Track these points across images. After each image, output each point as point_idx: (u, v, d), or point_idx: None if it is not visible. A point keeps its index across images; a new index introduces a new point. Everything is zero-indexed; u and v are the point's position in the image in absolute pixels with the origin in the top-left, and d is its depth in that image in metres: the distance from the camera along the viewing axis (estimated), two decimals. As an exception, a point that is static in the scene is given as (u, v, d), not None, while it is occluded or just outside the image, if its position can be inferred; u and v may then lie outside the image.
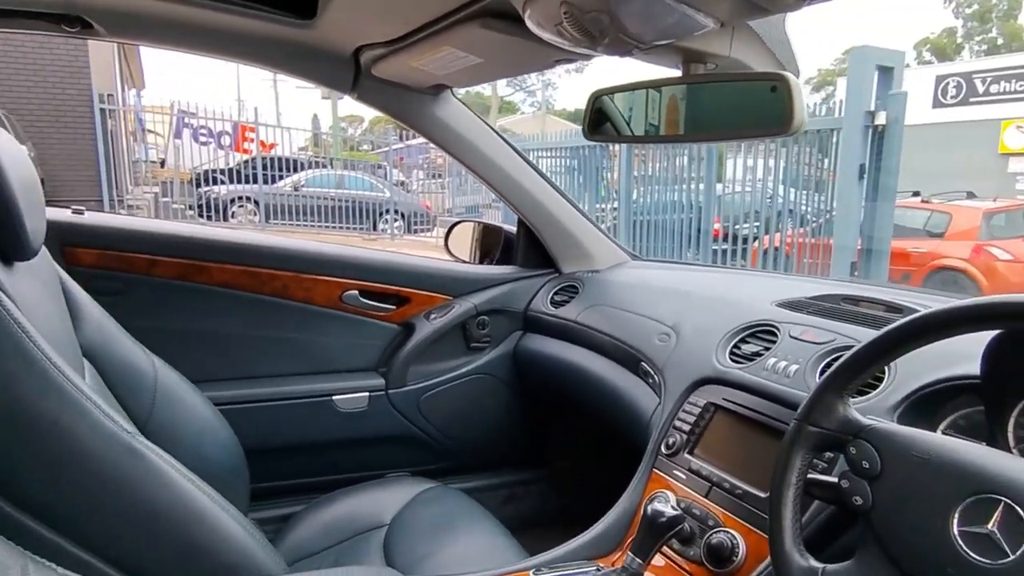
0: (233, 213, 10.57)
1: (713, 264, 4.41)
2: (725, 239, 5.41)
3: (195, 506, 0.74)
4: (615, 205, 6.47)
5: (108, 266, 1.21)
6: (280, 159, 10.86)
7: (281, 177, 10.82)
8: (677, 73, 0.82)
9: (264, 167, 10.53)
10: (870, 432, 0.65)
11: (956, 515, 0.56)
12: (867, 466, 0.64)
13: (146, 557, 0.69)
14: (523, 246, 1.61)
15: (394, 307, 1.50)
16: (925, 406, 0.76)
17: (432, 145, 1.81)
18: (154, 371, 1.04)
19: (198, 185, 10.66)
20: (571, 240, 1.57)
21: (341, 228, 10.60)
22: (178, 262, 1.26)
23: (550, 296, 1.54)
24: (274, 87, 26.98)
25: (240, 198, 10.66)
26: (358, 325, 1.46)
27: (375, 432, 1.47)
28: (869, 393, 0.80)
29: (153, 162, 13.90)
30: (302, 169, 11.39)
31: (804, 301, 1.09)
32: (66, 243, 1.16)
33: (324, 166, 12.30)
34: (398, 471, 1.50)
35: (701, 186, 5.46)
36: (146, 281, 1.24)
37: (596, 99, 0.90)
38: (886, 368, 0.81)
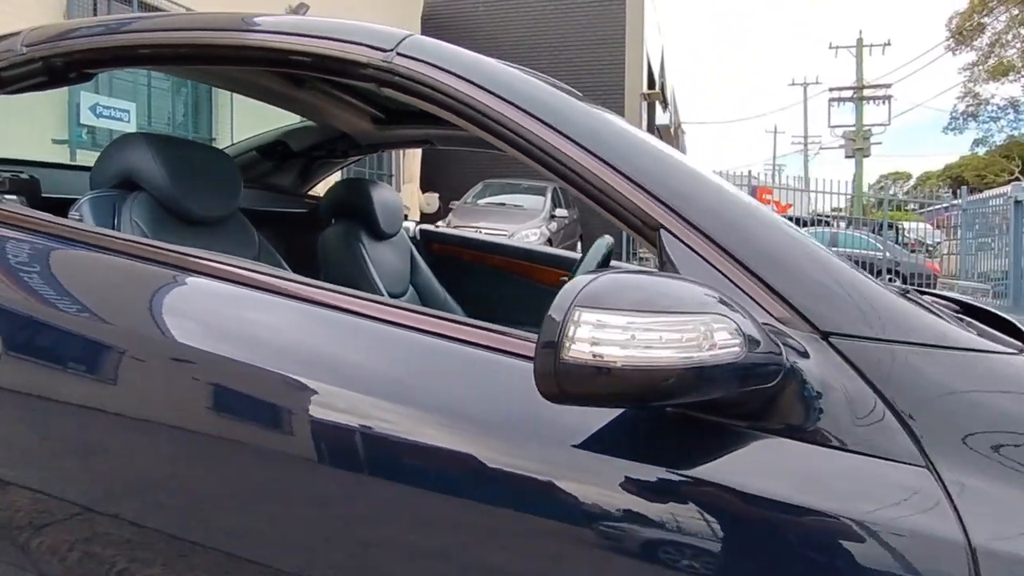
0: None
1: None
2: None
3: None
4: None
5: (442, 253, 2.43)
6: (790, 218, 11.52)
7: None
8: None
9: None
10: None
11: None
12: None
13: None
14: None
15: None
16: None
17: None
18: (444, 297, 2.18)
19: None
20: None
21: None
22: (472, 252, 2.39)
23: None
24: (804, 150, 27.41)
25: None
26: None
27: None
28: None
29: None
30: (801, 227, 11.77)
31: None
32: (429, 240, 2.43)
33: (828, 224, 12.37)
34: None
35: None
36: (458, 262, 2.41)
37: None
38: None
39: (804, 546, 0.63)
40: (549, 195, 9.81)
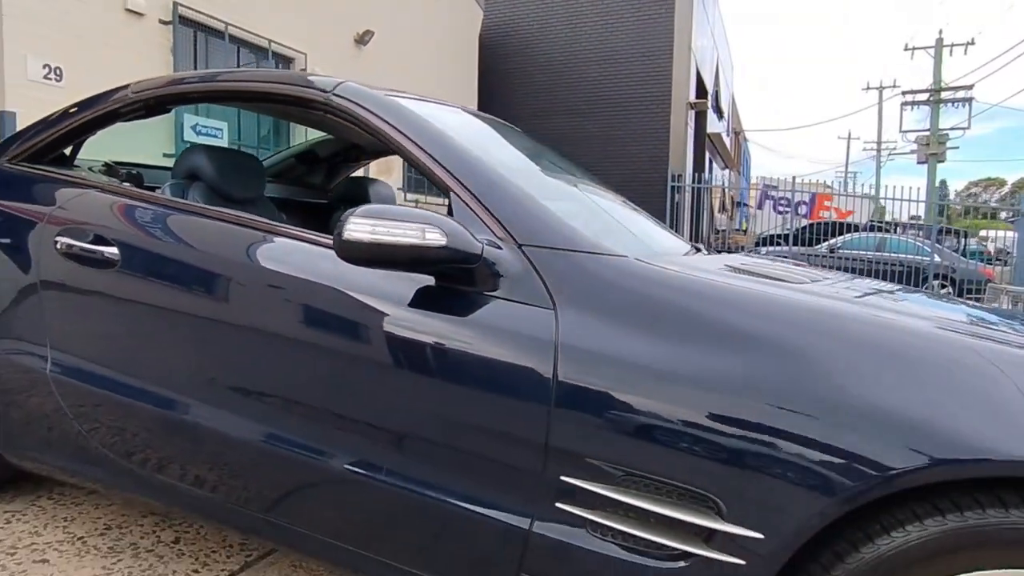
0: (767, 272, 11.77)
1: None
2: None
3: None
4: None
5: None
6: (837, 224, 11.52)
7: (819, 240, 11.51)
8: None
9: (818, 231, 11.47)
10: None
11: None
12: None
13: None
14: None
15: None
16: None
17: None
18: None
19: (757, 245, 12.31)
20: None
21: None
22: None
23: None
24: (876, 157, 26.55)
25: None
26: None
27: None
28: None
29: (737, 229, 16.44)
30: (850, 232, 11.68)
31: None
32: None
33: (885, 230, 12.25)
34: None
35: None
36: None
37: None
38: None
39: (491, 346, 1.25)
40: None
